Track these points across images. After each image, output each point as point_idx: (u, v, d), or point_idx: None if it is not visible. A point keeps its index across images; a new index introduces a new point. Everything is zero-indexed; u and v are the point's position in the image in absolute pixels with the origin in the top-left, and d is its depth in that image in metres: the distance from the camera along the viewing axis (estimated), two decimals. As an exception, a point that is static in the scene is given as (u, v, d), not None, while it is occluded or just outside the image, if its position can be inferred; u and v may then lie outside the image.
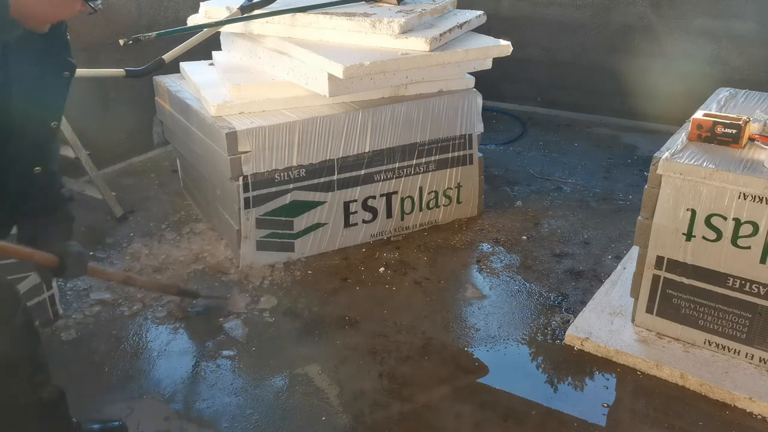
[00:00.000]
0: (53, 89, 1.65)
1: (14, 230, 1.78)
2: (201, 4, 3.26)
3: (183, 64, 3.30)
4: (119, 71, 2.97)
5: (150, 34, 2.91)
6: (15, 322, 1.62)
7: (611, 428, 2.06)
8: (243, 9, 2.97)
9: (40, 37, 1.54)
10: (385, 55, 2.73)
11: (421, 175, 3.11)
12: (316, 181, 2.85)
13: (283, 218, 2.84)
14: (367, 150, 2.91)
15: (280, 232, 2.86)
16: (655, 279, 2.27)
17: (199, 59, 3.35)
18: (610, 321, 2.44)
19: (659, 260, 2.24)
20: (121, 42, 2.85)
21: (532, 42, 4.86)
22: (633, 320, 2.39)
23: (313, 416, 2.10)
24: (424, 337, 2.46)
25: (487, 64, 3.15)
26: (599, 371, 2.28)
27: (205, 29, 3.03)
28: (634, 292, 2.35)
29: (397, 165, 3.02)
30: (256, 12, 2.95)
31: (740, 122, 2.16)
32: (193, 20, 3.22)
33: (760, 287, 2.08)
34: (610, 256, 3.00)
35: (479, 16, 3.32)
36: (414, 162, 3.06)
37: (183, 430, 2.05)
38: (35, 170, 1.66)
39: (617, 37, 4.55)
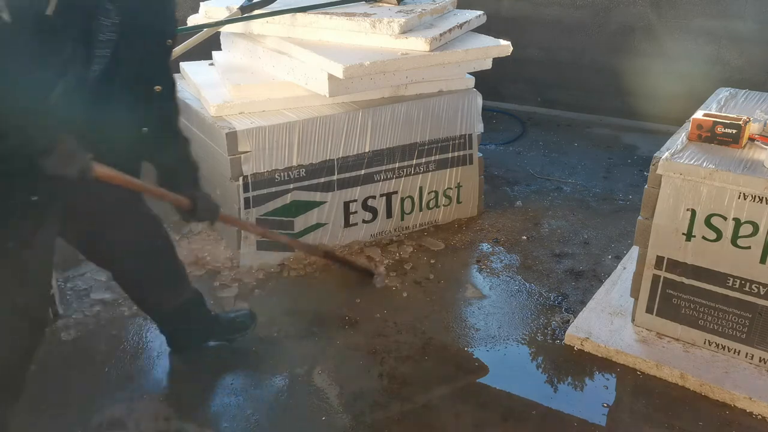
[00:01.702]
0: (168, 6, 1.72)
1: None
2: (201, 4, 3.26)
3: (183, 64, 3.30)
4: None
5: (150, 34, 2.90)
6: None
7: (611, 428, 2.06)
8: (243, 9, 2.97)
9: None
10: (385, 55, 2.73)
11: (421, 175, 3.11)
12: (316, 181, 2.85)
13: (284, 218, 2.84)
14: (367, 150, 2.91)
15: (281, 232, 2.85)
16: (655, 279, 2.27)
17: (199, 59, 3.35)
18: (610, 321, 2.44)
19: (659, 260, 2.24)
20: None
21: (532, 42, 4.86)
22: (633, 320, 2.39)
23: (313, 416, 2.10)
24: (424, 337, 2.46)
25: (487, 64, 3.15)
26: (599, 371, 2.28)
27: (205, 29, 3.03)
28: (634, 292, 2.35)
29: (397, 165, 3.02)
30: (256, 12, 2.95)
31: (740, 122, 2.16)
32: (193, 20, 3.22)
33: (760, 287, 2.08)
34: (610, 256, 3.00)
35: (479, 16, 3.32)
36: (414, 162, 3.06)
37: (183, 430, 2.05)
38: (155, 89, 1.74)
39: (617, 37, 4.55)
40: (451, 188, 3.22)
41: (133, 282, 2.13)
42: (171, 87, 1.86)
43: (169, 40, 1.75)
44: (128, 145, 1.77)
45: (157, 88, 1.76)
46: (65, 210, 1.73)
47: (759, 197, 1.98)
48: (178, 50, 3.05)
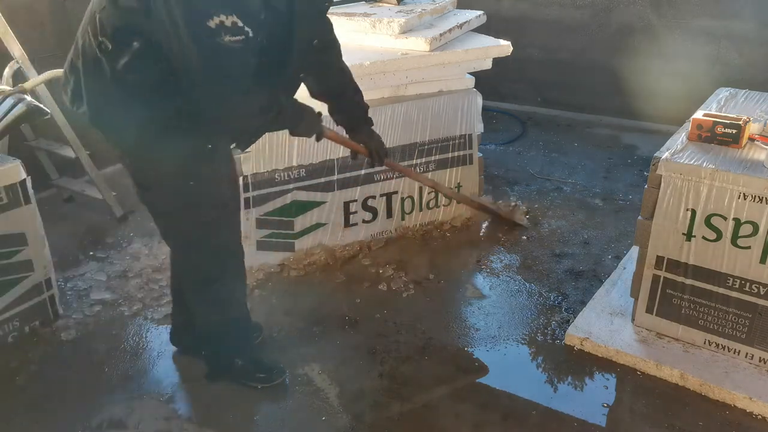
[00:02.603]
0: None
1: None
2: (201, 4, 3.26)
3: (183, 64, 3.30)
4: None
5: (150, 34, 2.90)
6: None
7: (611, 428, 2.06)
8: (243, 9, 2.97)
9: None
10: (385, 55, 2.74)
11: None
12: (316, 181, 2.85)
13: (284, 218, 2.84)
14: (367, 150, 2.91)
15: (281, 232, 2.85)
16: (655, 279, 2.27)
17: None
18: (610, 321, 2.44)
19: (659, 260, 2.24)
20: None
21: (532, 42, 4.86)
22: (633, 320, 2.39)
23: (313, 416, 2.10)
24: (424, 337, 2.46)
25: (487, 64, 3.15)
26: (599, 371, 2.28)
27: (205, 29, 3.03)
28: (634, 292, 2.35)
29: (397, 165, 3.02)
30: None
31: (740, 122, 2.16)
32: (193, 20, 3.22)
33: (760, 287, 2.08)
34: (610, 256, 3.00)
35: (479, 16, 3.32)
36: (414, 162, 3.06)
37: (183, 430, 2.05)
38: (314, 43, 1.96)
39: (617, 37, 4.55)
40: (451, 188, 3.22)
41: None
42: (328, 34, 2.13)
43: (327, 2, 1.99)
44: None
45: (315, 42, 1.98)
46: None
47: (759, 197, 1.98)
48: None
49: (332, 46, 2.15)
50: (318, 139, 2.15)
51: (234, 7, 1.56)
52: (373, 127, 2.35)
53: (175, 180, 1.85)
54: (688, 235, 2.14)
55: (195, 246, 1.99)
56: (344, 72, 2.22)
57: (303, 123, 2.04)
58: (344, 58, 2.19)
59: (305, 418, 2.09)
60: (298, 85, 2.05)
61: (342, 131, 2.34)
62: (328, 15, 2.07)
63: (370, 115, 2.33)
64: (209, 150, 1.85)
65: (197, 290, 2.09)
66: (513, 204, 3.38)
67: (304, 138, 2.58)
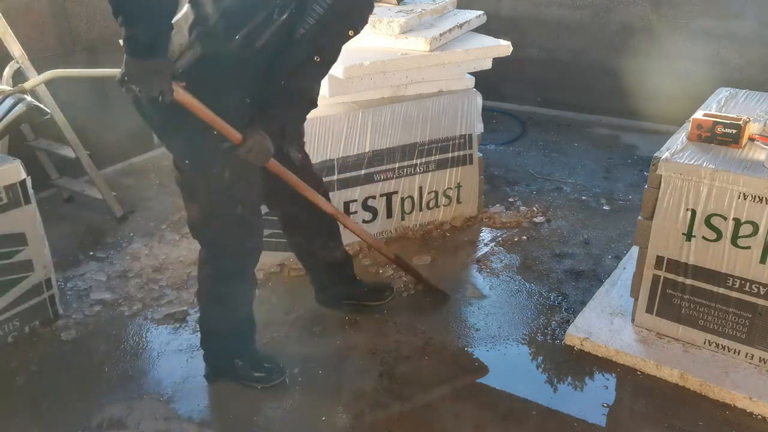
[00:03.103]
0: None
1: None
2: (201, 4, 3.26)
3: (183, 64, 3.30)
4: (119, 71, 2.96)
5: (150, 34, 2.90)
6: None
7: (611, 428, 2.06)
8: (243, 9, 2.96)
9: None
10: (385, 55, 2.73)
11: (421, 175, 3.11)
12: (316, 181, 2.85)
13: (283, 218, 2.83)
14: (367, 150, 2.91)
15: (281, 232, 2.85)
16: (655, 279, 2.27)
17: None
18: (610, 321, 2.44)
19: (659, 260, 2.24)
20: (121, 42, 2.85)
21: (532, 42, 4.86)
22: (633, 320, 2.39)
23: (313, 416, 2.10)
24: (424, 337, 2.46)
25: (487, 64, 3.15)
26: (599, 371, 2.28)
27: (205, 29, 3.03)
28: (634, 292, 2.35)
29: (397, 165, 3.02)
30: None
31: (740, 122, 2.16)
32: (193, 20, 3.22)
33: (760, 287, 2.08)
34: (610, 256, 3.00)
35: (479, 16, 3.32)
36: (414, 162, 3.06)
37: (183, 430, 2.05)
38: (315, 58, 1.90)
39: (617, 37, 4.55)
40: (451, 188, 3.22)
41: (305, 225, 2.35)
42: (333, 61, 2.03)
43: (351, 31, 1.94)
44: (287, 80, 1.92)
45: (317, 58, 1.91)
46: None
47: (759, 197, 1.98)
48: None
49: (324, 68, 2.02)
50: (164, 100, 1.72)
51: None
52: (264, 134, 1.97)
53: (203, 165, 1.90)
54: (688, 235, 2.14)
55: (221, 239, 2.02)
56: (307, 99, 2.05)
57: (147, 63, 1.68)
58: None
59: (305, 418, 2.09)
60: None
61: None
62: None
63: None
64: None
65: (215, 286, 2.10)
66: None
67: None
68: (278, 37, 1.80)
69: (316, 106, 2.07)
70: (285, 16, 1.77)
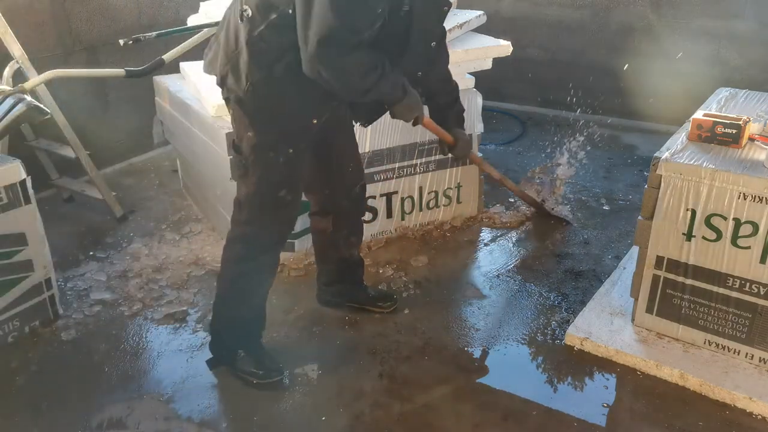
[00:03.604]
0: None
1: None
2: (201, 4, 3.26)
3: (183, 64, 3.30)
4: (119, 71, 2.97)
5: (150, 34, 2.91)
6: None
7: (611, 428, 2.06)
8: (243, 9, 2.97)
9: None
10: (385, 55, 2.73)
11: (421, 175, 3.11)
12: (316, 181, 2.85)
13: (283, 218, 2.83)
14: (367, 150, 2.91)
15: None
16: (655, 279, 2.27)
17: (199, 59, 3.33)
18: (610, 321, 2.44)
19: (659, 260, 2.24)
20: (121, 42, 2.85)
21: (532, 42, 4.86)
22: (633, 320, 2.39)
23: (313, 416, 2.10)
24: (424, 337, 2.46)
25: (487, 64, 3.15)
26: (599, 371, 2.28)
27: (205, 29, 3.03)
28: (634, 292, 2.35)
29: (397, 165, 3.02)
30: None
31: (740, 122, 2.16)
32: (193, 20, 3.23)
33: (760, 287, 2.08)
34: (610, 256, 3.00)
35: (479, 16, 3.32)
36: (414, 162, 3.06)
37: (183, 430, 2.05)
38: (432, 45, 2.09)
39: (617, 37, 4.55)
40: (451, 188, 3.22)
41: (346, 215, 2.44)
42: (443, 38, 2.25)
43: (446, 7, 2.05)
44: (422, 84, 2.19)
45: (433, 43, 2.10)
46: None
47: (759, 197, 1.98)
48: (177, 51, 3.05)
49: (444, 52, 2.29)
50: (414, 124, 2.20)
51: None
52: (464, 131, 2.50)
53: (264, 149, 2.01)
54: (688, 235, 2.14)
55: (259, 217, 2.09)
56: (449, 79, 2.37)
57: (407, 100, 2.04)
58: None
59: (305, 418, 2.09)
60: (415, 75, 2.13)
61: None
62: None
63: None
64: (312, 125, 2.02)
65: (239, 265, 2.15)
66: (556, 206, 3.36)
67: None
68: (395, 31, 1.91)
69: (452, 78, 2.39)
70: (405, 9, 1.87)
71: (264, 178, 2.03)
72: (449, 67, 2.36)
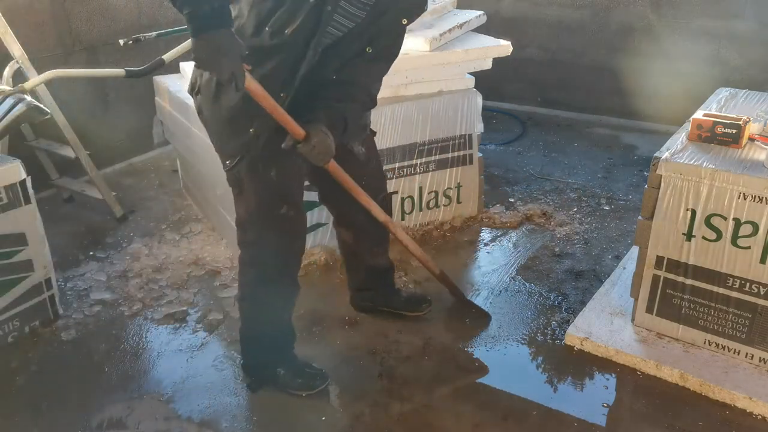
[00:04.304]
0: None
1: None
2: (201, 4, 3.26)
3: (183, 64, 3.30)
4: (119, 71, 2.97)
5: (150, 34, 2.91)
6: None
7: (611, 428, 2.06)
8: (243, 9, 2.96)
9: None
10: (385, 55, 2.73)
11: (421, 175, 3.11)
12: (316, 181, 2.84)
13: (283, 218, 2.83)
14: (367, 150, 2.91)
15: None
16: (655, 279, 2.27)
17: (199, 59, 3.34)
18: (610, 321, 2.44)
19: (659, 260, 2.24)
20: (121, 42, 2.85)
21: (532, 42, 4.86)
22: (633, 320, 2.39)
23: (313, 416, 2.10)
24: (424, 337, 2.46)
25: (487, 64, 3.15)
26: (599, 371, 2.28)
27: (205, 29, 3.03)
28: (634, 292, 2.35)
29: (396, 165, 3.02)
30: (256, 12, 2.95)
31: (740, 122, 2.16)
32: (193, 20, 3.22)
33: (760, 287, 2.08)
34: (610, 256, 3.00)
35: (479, 16, 3.32)
36: (414, 162, 3.06)
37: (183, 430, 2.05)
38: (366, 50, 1.87)
39: (617, 37, 4.55)
40: (451, 188, 3.22)
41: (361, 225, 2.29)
42: (391, 55, 2.00)
43: (405, 20, 1.89)
44: (344, 71, 1.90)
45: (368, 49, 1.88)
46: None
47: (759, 197, 1.98)
48: (177, 51, 3.05)
49: (379, 62, 1.98)
50: (237, 85, 1.66)
51: None
52: (327, 132, 1.88)
53: (249, 164, 1.89)
54: (688, 235, 2.14)
55: (265, 238, 1.99)
56: (367, 95, 2.01)
57: (214, 34, 1.58)
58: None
59: (305, 417, 2.09)
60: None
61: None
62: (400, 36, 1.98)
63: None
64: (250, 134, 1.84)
65: (258, 288, 2.08)
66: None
67: None
68: (311, 23, 1.73)
69: (375, 104, 2.04)
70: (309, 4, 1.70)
71: (260, 194, 1.92)
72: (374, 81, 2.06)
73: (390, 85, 2.90)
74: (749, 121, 2.20)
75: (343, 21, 1.80)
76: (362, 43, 1.86)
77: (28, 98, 2.49)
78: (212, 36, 1.57)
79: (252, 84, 1.70)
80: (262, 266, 2.05)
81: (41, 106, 2.53)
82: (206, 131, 1.99)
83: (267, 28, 1.73)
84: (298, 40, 1.75)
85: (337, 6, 1.75)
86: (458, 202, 3.28)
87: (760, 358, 2.17)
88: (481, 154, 3.26)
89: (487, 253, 3.07)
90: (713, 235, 2.10)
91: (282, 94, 1.80)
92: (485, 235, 3.22)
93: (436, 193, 3.19)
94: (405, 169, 3.06)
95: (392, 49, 1.97)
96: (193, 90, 1.95)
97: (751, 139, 2.21)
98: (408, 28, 2.85)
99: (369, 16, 1.81)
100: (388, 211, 2.31)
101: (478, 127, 3.21)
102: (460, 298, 2.61)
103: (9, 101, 2.44)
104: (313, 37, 1.76)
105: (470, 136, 3.17)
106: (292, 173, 1.96)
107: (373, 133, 2.25)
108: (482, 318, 2.56)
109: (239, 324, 2.20)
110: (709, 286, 2.17)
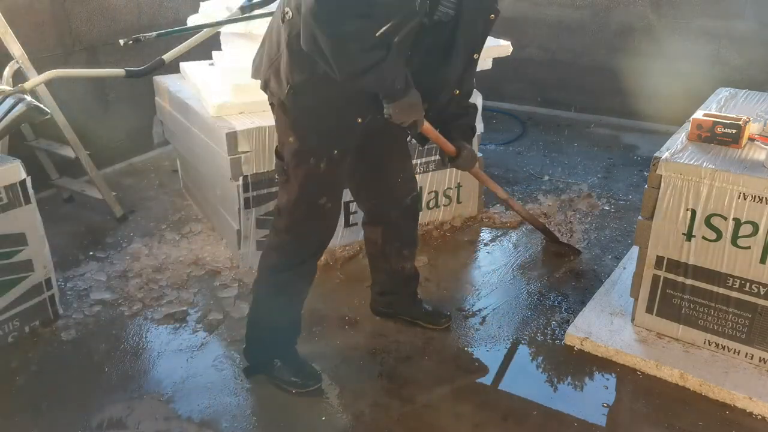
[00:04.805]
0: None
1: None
2: (201, 4, 3.26)
3: (183, 64, 3.30)
4: (119, 71, 2.97)
5: (150, 34, 2.91)
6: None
7: (611, 428, 2.06)
8: (243, 9, 2.97)
9: None
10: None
11: (421, 175, 3.10)
12: (316, 181, 2.84)
13: (283, 218, 2.83)
14: (367, 150, 2.91)
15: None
16: (655, 279, 2.27)
17: (199, 59, 3.35)
18: (610, 321, 2.44)
19: (659, 260, 2.24)
20: (121, 42, 2.85)
21: (532, 42, 4.87)
22: (633, 320, 2.39)
23: (313, 416, 2.10)
24: (424, 337, 2.46)
25: (487, 64, 3.15)
26: (599, 371, 2.28)
27: (205, 29, 3.03)
28: (634, 292, 2.35)
29: (397, 165, 3.02)
30: (256, 12, 2.95)
31: (740, 122, 2.16)
32: (193, 20, 3.22)
33: (760, 287, 2.08)
34: (610, 256, 3.00)
35: (479, 16, 3.31)
36: (414, 162, 3.05)
37: (183, 430, 2.05)
38: (474, 56, 2.03)
39: (617, 37, 4.56)
40: (451, 188, 3.22)
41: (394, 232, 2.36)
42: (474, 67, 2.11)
43: (492, 15, 1.96)
44: (440, 101, 2.06)
45: (476, 56, 2.03)
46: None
47: (759, 197, 1.98)
48: (177, 51, 3.05)
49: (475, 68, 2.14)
50: (412, 130, 1.98)
51: None
52: (466, 145, 2.23)
53: (305, 155, 1.96)
54: (688, 235, 2.14)
55: (300, 225, 2.05)
56: (468, 96, 2.20)
57: (408, 98, 1.84)
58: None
59: (305, 417, 2.09)
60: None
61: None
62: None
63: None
64: (356, 125, 1.95)
65: (277, 273, 2.11)
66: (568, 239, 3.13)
67: None
68: (413, 39, 1.83)
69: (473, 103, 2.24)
70: (419, 16, 1.77)
71: (304, 184, 1.98)
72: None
73: (390, 85, 2.89)
74: (749, 121, 2.20)
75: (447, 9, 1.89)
76: (469, 49, 1.98)
77: (28, 98, 2.49)
78: (407, 101, 1.84)
79: (426, 125, 2.02)
80: (286, 253, 2.09)
81: (41, 106, 2.52)
82: (285, 128, 1.99)
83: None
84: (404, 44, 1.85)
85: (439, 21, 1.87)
86: (458, 202, 3.28)
87: (760, 358, 2.17)
88: (481, 154, 3.25)
89: (487, 253, 3.08)
90: (713, 235, 2.10)
91: (366, 114, 1.95)
92: (485, 235, 3.22)
93: (436, 193, 3.19)
94: (405, 169, 3.05)
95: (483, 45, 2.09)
96: (287, 89, 1.90)
97: (751, 139, 2.21)
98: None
99: (466, 19, 1.89)
100: (417, 212, 2.41)
101: (478, 127, 3.20)
102: (554, 240, 2.98)
103: (9, 101, 2.44)
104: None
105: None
106: (340, 167, 2.01)
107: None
108: (574, 252, 2.95)
109: (248, 309, 2.24)
110: (709, 286, 2.17)
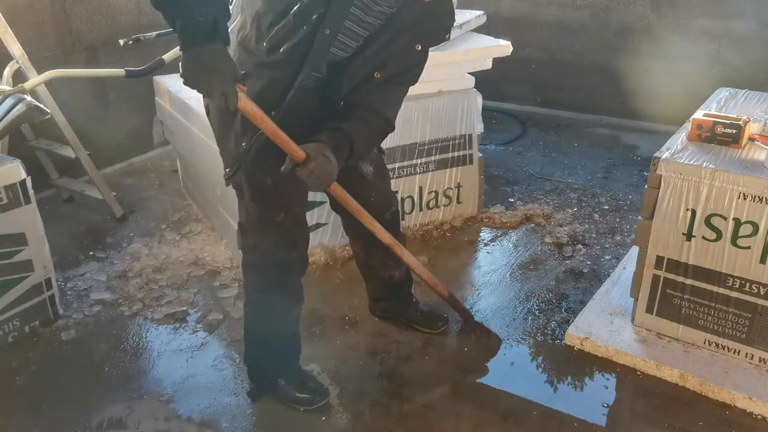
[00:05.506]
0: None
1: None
2: (201, 4, 3.26)
3: (183, 64, 3.30)
4: (119, 71, 2.97)
5: (150, 34, 2.91)
6: None
7: (611, 428, 2.06)
8: (243, 9, 2.96)
9: None
10: (385, 55, 2.73)
11: (421, 175, 3.11)
12: (316, 181, 2.84)
13: (283, 218, 2.83)
14: (367, 150, 2.91)
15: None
16: (655, 279, 2.27)
17: (199, 59, 3.34)
18: (610, 321, 2.44)
19: (659, 260, 2.24)
20: (121, 42, 2.85)
21: (532, 42, 4.86)
22: (633, 320, 2.39)
23: (313, 416, 2.10)
24: (424, 337, 2.46)
25: (487, 64, 3.15)
26: (599, 371, 2.28)
27: (205, 29, 3.03)
28: (634, 292, 2.35)
29: (396, 165, 3.02)
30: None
31: (740, 122, 2.16)
32: (193, 20, 3.22)
33: (760, 287, 2.08)
34: (609, 256, 3.00)
35: (479, 16, 3.32)
36: (414, 162, 3.06)
37: (183, 430, 2.05)
38: (375, 75, 1.80)
39: (617, 37, 4.55)
40: (451, 188, 3.22)
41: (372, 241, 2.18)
42: (408, 81, 1.92)
43: (418, 45, 1.81)
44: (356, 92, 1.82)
45: (377, 74, 1.81)
46: None
47: (759, 197, 1.98)
48: (177, 51, 3.05)
49: (391, 85, 1.87)
50: (228, 106, 1.55)
51: None
52: (329, 155, 1.76)
53: (246, 170, 1.83)
54: (688, 235, 2.14)
55: (262, 244, 1.96)
56: (383, 119, 1.89)
57: (208, 50, 1.47)
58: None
59: (305, 418, 2.09)
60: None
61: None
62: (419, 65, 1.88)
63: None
64: (244, 149, 1.79)
65: (257, 294, 2.05)
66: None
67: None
68: (308, 44, 1.67)
69: (393, 128, 1.92)
70: (308, 24, 1.63)
71: (258, 199, 1.88)
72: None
73: (390, 85, 2.89)
74: (749, 121, 2.20)
75: (348, 42, 1.76)
76: (372, 67, 1.79)
77: (28, 98, 2.49)
78: (204, 52, 1.45)
79: (248, 105, 1.59)
80: (261, 271, 2.02)
81: (41, 106, 2.52)
82: (217, 135, 1.95)
83: (264, 44, 1.68)
84: (294, 59, 1.69)
85: (340, 27, 1.69)
86: (458, 202, 3.28)
87: (760, 358, 2.17)
88: (481, 154, 3.26)
89: (487, 253, 3.08)
90: (713, 235, 2.10)
91: (273, 113, 1.72)
92: (485, 235, 3.22)
93: (436, 193, 3.19)
94: (405, 169, 3.06)
95: (407, 76, 1.88)
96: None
97: (751, 139, 2.21)
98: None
99: (380, 39, 1.75)
100: (397, 227, 2.26)
101: (478, 127, 3.21)
102: (470, 321, 2.47)
103: (9, 101, 2.44)
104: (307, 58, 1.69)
105: (470, 136, 3.17)
106: (290, 184, 1.82)
107: (382, 152, 2.20)
108: (491, 340, 2.44)
109: (243, 327, 2.18)
110: (709, 286, 2.17)
